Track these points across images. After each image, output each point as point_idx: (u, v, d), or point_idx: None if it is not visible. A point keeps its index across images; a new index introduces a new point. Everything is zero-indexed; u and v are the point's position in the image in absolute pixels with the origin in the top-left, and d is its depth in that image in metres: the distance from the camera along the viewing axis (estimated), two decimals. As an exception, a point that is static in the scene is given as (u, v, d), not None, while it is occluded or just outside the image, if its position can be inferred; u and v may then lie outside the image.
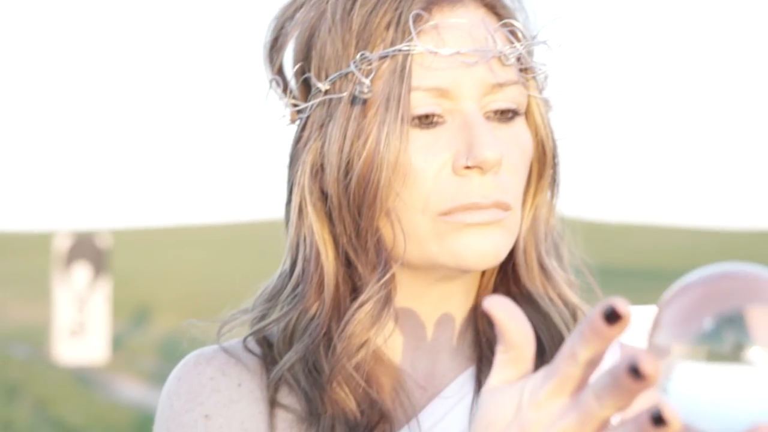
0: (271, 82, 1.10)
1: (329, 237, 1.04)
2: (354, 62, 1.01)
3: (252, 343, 1.08)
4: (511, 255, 1.06)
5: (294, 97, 1.08)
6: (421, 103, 1.00)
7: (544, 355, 1.04)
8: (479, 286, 1.08)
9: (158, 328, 16.07)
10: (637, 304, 0.80)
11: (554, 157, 1.07)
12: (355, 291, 1.04)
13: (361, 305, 1.02)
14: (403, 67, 0.99)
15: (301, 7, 1.07)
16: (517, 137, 1.03)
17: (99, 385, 11.35)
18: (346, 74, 1.02)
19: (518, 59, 1.03)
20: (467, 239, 1.00)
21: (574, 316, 1.07)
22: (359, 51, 1.01)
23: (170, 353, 13.09)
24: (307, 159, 1.04)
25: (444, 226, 1.00)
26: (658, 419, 0.65)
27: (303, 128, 1.06)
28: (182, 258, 30.16)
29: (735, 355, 0.66)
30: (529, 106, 1.05)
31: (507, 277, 1.08)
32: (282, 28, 1.09)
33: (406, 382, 1.06)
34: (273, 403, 1.04)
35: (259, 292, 1.10)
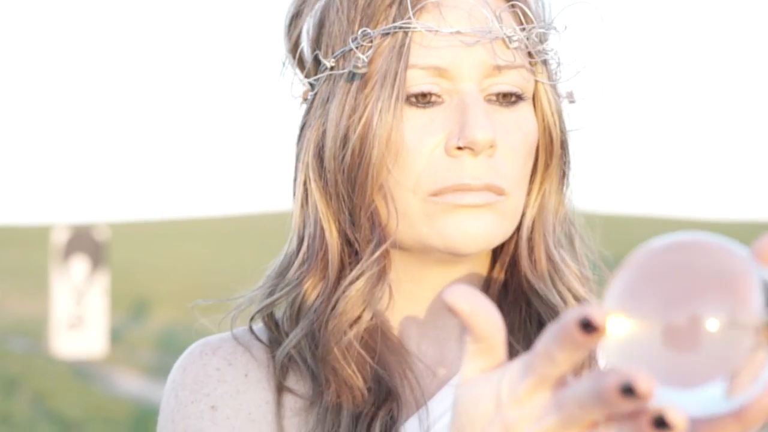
0: (286, 58, 1.10)
1: (332, 214, 1.04)
2: (354, 38, 1.01)
3: (259, 325, 1.07)
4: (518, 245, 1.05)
5: (307, 75, 1.08)
6: (417, 81, 0.99)
7: None
8: (490, 278, 1.07)
9: (156, 321, 16.09)
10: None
11: (562, 146, 1.06)
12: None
13: (351, 282, 1.02)
14: (402, 45, 0.99)
15: None
16: (519, 122, 1.01)
17: (97, 378, 11.35)
18: (349, 51, 1.01)
19: (526, 43, 1.01)
20: (457, 221, 0.99)
21: None
22: (362, 28, 1.01)
23: (168, 346, 13.09)
24: (311, 136, 1.05)
25: (434, 207, 0.99)
26: (660, 423, 0.61)
27: (310, 106, 1.07)
28: (180, 251, 30.18)
29: (683, 325, 0.63)
30: (536, 92, 1.04)
31: (518, 269, 1.06)
32: (303, 3, 1.08)
33: (416, 365, 1.05)
34: (280, 389, 1.03)
35: (268, 272, 1.09)
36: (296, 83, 1.10)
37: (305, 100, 1.09)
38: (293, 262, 1.06)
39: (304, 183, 1.05)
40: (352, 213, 1.02)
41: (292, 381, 1.04)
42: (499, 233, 1.01)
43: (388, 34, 1.00)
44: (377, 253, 1.02)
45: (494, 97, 1.01)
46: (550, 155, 1.05)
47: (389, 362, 1.04)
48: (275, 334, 1.06)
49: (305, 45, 1.07)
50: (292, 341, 1.03)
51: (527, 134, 1.02)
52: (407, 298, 1.06)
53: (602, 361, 0.95)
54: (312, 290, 1.04)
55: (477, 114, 0.98)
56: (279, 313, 1.07)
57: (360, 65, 1.00)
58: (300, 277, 1.05)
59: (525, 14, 1.03)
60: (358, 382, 1.01)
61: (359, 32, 1.01)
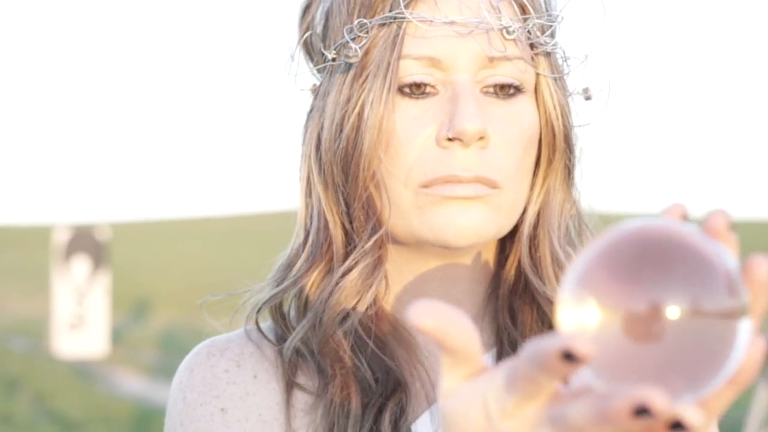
0: (297, 50, 1.09)
1: (333, 206, 1.03)
2: (348, 28, 1.00)
3: (267, 323, 1.06)
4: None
5: (316, 67, 1.08)
6: (410, 72, 0.99)
7: None
8: (499, 275, 1.06)
9: (158, 321, 16.08)
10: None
11: (566, 140, 1.04)
12: None
13: (344, 273, 1.01)
14: (396, 35, 0.99)
15: None
16: (517, 115, 1.00)
17: (98, 378, 11.34)
18: (347, 42, 1.01)
19: (526, 34, 1.00)
20: (446, 213, 0.98)
21: None
22: (359, 18, 1.00)
23: (170, 346, 13.09)
24: (313, 129, 1.05)
25: (425, 198, 0.98)
26: (677, 426, 0.59)
27: (314, 99, 1.07)
28: (182, 251, 30.18)
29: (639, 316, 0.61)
30: (538, 84, 1.02)
31: (521, 266, 1.05)
32: None
33: (426, 358, 1.04)
34: (290, 386, 1.02)
35: (276, 265, 1.09)
36: (308, 76, 1.10)
37: (313, 93, 1.08)
38: (300, 255, 1.06)
39: (308, 176, 1.05)
40: (348, 204, 1.02)
41: (302, 377, 1.03)
42: (492, 227, 0.99)
43: (384, 24, 0.99)
44: (369, 243, 1.01)
45: (491, 89, 1.00)
46: (553, 150, 1.03)
47: (398, 354, 1.03)
48: (283, 329, 1.06)
49: (314, 37, 1.07)
50: (299, 334, 1.03)
51: (525, 128, 1.00)
52: (413, 294, 1.05)
53: None
54: (319, 282, 1.03)
55: (466, 104, 0.97)
56: (288, 308, 1.06)
57: (351, 54, 1.00)
58: (305, 268, 1.04)
59: (524, 5, 1.01)
60: (366, 372, 1.00)
61: (356, 23, 1.00)
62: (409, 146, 0.98)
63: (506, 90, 1.00)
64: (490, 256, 1.06)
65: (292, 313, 1.06)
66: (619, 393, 0.58)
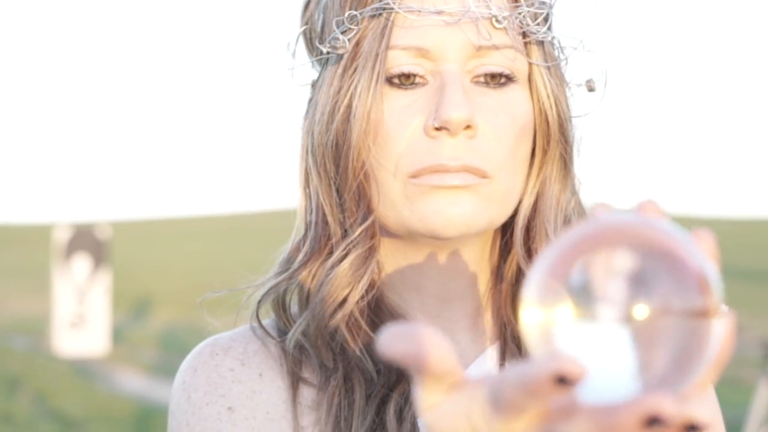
0: (296, 46, 1.09)
1: (328, 198, 1.03)
2: (339, 20, 1.01)
3: (268, 320, 1.06)
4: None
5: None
6: (399, 62, 0.99)
7: None
8: (501, 269, 1.05)
9: (158, 320, 16.09)
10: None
11: (561, 130, 1.03)
12: None
13: (334, 265, 1.01)
14: (384, 26, 0.98)
15: None
16: (508, 105, 0.99)
17: (99, 377, 11.34)
18: (337, 35, 1.01)
19: (517, 23, 1.00)
20: (435, 203, 0.97)
21: None
22: (350, 10, 1.00)
23: (170, 345, 13.09)
24: (308, 122, 1.05)
25: (413, 189, 0.98)
26: (691, 428, 0.57)
27: (311, 93, 1.07)
28: (182, 249, 30.18)
29: (584, 313, 0.59)
30: (531, 74, 1.02)
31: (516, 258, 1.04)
32: None
33: None
34: (295, 381, 1.02)
35: (278, 259, 1.09)
36: (309, 72, 1.09)
37: (313, 87, 1.09)
38: (300, 249, 1.06)
39: (306, 169, 1.05)
40: (340, 195, 1.02)
41: (306, 373, 1.03)
42: (482, 218, 0.98)
43: (374, 16, 0.99)
44: (358, 231, 1.00)
45: (482, 79, 0.99)
46: (548, 140, 1.02)
47: None
48: (285, 323, 1.06)
49: (312, 32, 1.07)
50: (300, 326, 1.02)
51: (517, 117, 0.99)
52: (412, 288, 1.04)
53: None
54: (319, 273, 1.03)
55: (453, 93, 0.96)
56: (289, 302, 1.06)
57: (339, 46, 1.00)
58: (304, 261, 1.04)
59: None
60: (368, 364, 1.00)
61: (346, 14, 1.00)
62: (397, 136, 0.98)
63: (497, 79, 0.99)
64: (484, 246, 1.05)
65: (294, 307, 1.06)
66: (625, 407, 0.56)
